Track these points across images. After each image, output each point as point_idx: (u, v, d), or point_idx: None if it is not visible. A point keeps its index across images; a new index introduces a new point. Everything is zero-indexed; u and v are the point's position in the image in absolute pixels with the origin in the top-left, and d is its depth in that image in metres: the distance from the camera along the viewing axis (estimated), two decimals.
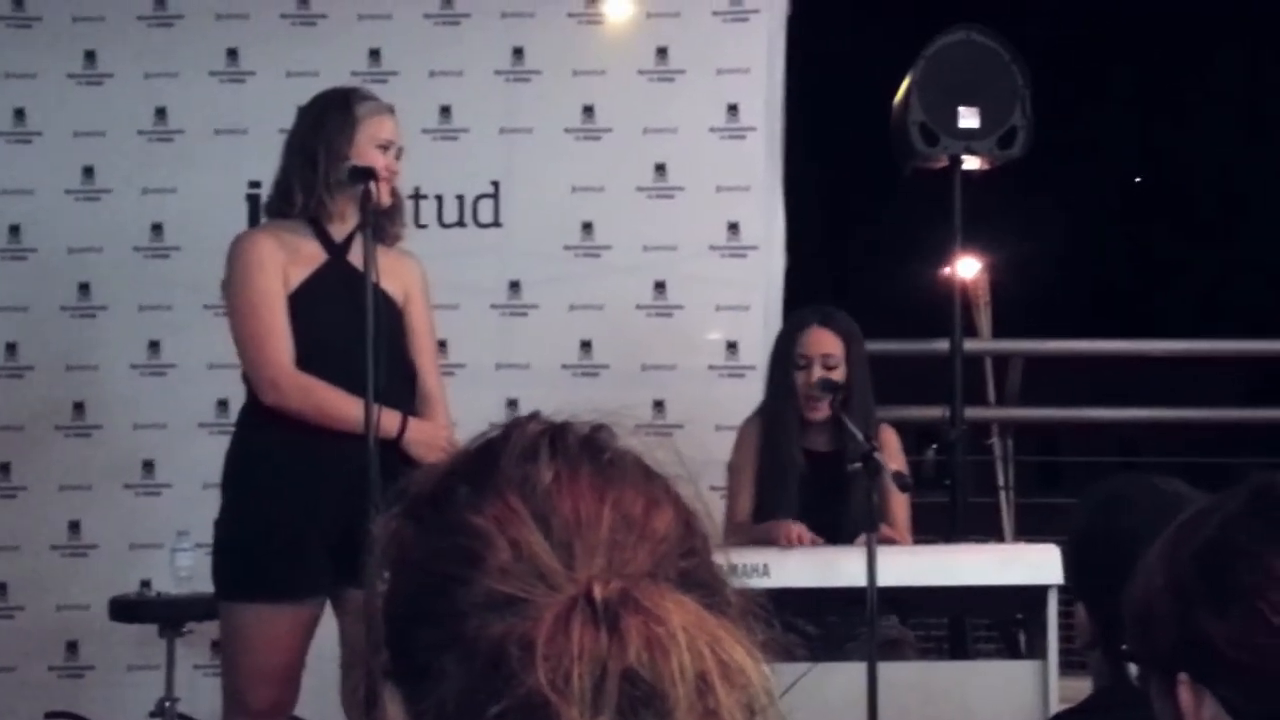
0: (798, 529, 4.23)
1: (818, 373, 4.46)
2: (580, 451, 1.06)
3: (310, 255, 3.82)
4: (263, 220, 4.16)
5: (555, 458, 1.05)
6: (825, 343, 4.51)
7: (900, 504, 4.50)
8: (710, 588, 1.04)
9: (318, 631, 3.81)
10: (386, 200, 3.80)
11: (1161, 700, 1.37)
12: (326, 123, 3.80)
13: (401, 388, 3.81)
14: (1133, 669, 1.42)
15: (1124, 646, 1.43)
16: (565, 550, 1.01)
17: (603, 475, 1.05)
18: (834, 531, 4.33)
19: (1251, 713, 1.29)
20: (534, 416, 1.09)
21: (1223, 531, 1.35)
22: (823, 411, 4.44)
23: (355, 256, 3.81)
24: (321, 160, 3.77)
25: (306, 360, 3.74)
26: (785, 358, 4.56)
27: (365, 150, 3.79)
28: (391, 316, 3.81)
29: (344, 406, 3.68)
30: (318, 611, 3.78)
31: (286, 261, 3.79)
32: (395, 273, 3.85)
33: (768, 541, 4.21)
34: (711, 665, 0.98)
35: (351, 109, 3.82)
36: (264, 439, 3.77)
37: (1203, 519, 1.38)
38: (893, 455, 4.47)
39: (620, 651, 0.97)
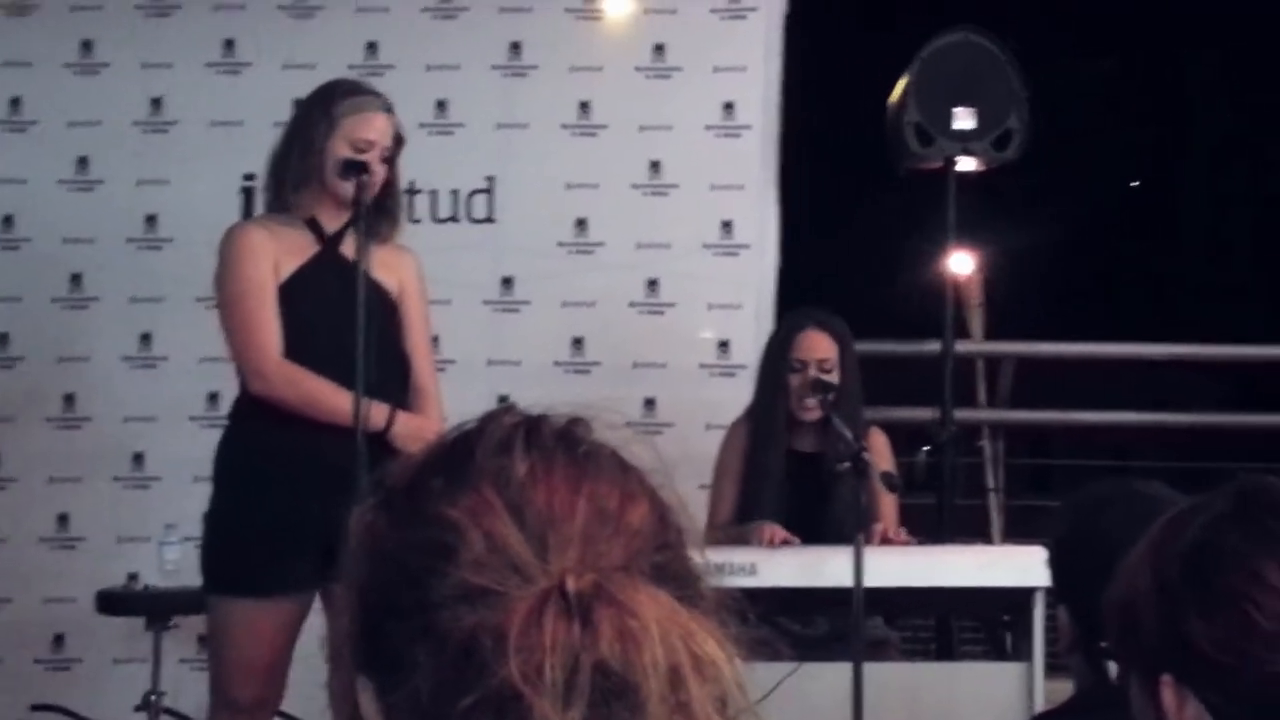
0: (775, 530, 4.24)
1: (812, 376, 4.46)
2: (555, 444, 1.06)
3: (302, 246, 3.81)
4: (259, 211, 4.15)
5: (530, 450, 1.05)
6: (821, 347, 4.51)
7: (889, 505, 4.50)
8: (684, 581, 1.04)
9: (306, 626, 3.80)
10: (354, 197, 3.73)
11: (1142, 700, 1.36)
12: (311, 118, 3.80)
13: (392, 380, 3.79)
14: (1112, 668, 1.42)
15: (1104, 645, 1.42)
16: (539, 542, 1.01)
17: (578, 468, 1.04)
18: (817, 532, 4.33)
19: (1234, 716, 1.28)
20: (509, 409, 1.09)
21: (1210, 533, 1.33)
22: (814, 413, 4.43)
23: (348, 248, 3.79)
24: (306, 155, 3.75)
25: (294, 351, 3.73)
26: (779, 359, 4.55)
27: (341, 152, 3.75)
28: (384, 308, 3.80)
29: (331, 398, 3.67)
30: (305, 607, 3.77)
31: (278, 252, 3.77)
32: (391, 266, 3.84)
33: (744, 542, 4.19)
34: (684, 659, 0.98)
35: (331, 108, 3.77)
36: (252, 432, 3.77)
37: (1189, 519, 1.37)
38: (882, 458, 4.47)
39: (593, 644, 0.97)
